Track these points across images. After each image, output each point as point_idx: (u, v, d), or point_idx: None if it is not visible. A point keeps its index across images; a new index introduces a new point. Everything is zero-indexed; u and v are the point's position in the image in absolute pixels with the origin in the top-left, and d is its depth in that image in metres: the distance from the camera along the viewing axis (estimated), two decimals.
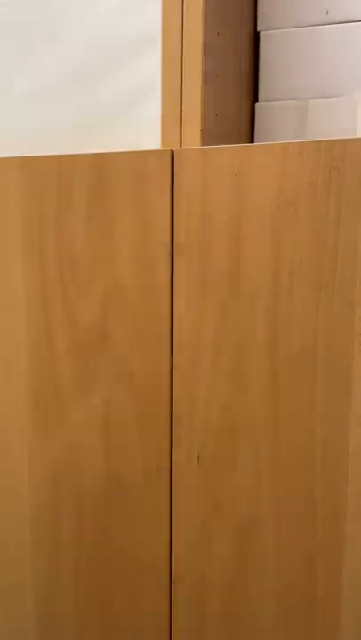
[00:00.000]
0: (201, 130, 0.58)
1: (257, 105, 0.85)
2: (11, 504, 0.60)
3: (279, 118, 0.84)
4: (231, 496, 0.52)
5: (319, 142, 0.47)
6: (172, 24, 0.58)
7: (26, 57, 0.73)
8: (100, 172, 0.52)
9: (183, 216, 0.51)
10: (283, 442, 0.50)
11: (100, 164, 0.52)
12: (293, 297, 0.48)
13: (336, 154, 0.46)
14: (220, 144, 0.50)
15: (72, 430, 0.56)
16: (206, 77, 0.60)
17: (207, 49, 0.59)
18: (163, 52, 0.59)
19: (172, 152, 0.51)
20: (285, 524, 0.50)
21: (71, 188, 0.53)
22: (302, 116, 0.83)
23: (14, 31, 0.74)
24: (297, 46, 0.82)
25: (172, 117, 0.58)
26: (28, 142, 0.69)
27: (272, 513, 0.51)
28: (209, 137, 0.62)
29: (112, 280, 0.53)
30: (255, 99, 0.86)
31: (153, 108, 0.61)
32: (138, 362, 0.54)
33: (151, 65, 0.61)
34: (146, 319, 0.53)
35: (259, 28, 0.84)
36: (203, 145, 0.50)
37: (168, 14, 0.58)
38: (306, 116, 0.83)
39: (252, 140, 0.76)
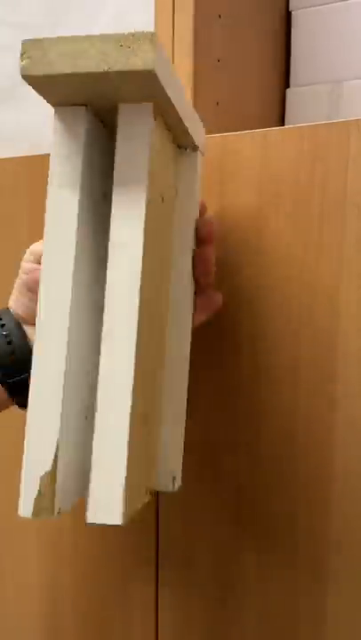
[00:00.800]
0: None
1: (288, 90, 0.80)
2: None
3: (312, 103, 0.78)
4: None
5: (302, 128, 0.43)
6: (164, 7, 0.55)
7: None
8: None
9: None
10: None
11: None
12: None
13: (321, 141, 0.41)
14: (220, 134, 0.45)
15: None
16: (201, 63, 0.56)
17: (203, 33, 0.56)
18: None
19: None
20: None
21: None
22: (336, 99, 0.77)
23: (18, 33, 0.75)
24: (329, 24, 0.76)
25: None
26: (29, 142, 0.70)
27: None
28: (206, 128, 0.58)
29: None
30: (287, 84, 0.81)
31: None
32: None
33: None
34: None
35: (291, 8, 0.79)
36: None
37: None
38: (340, 99, 0.77)
39: None
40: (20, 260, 0.42)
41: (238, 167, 0.45)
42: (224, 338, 0.47)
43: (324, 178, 0.42)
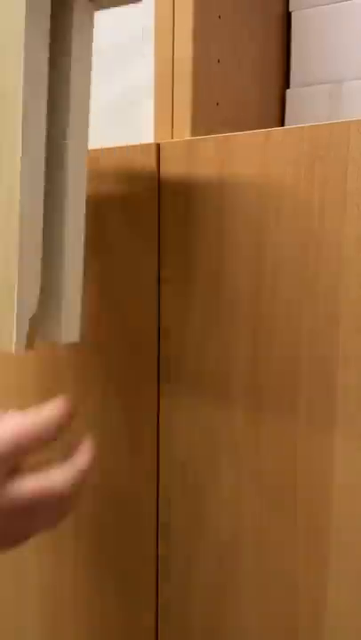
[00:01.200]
0: (191, 120, 0.55)
1: (288, 91, 0.80)
2: None
3: (312, 104, 0.78)
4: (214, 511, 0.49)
5: (302, 128, 0.43)
6: (163, 10, 0.55)
7: None
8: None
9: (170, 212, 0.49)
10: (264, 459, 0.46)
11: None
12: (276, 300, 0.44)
13: (321, 141, 0.41)
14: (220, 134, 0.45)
15: None
16: (201, 63, 0.56)
17: (202, 33, 0.56)
18: (155, 39, 0.57)
19: (158, 145, 0.48)
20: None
21: None
22: (336, 99, 0.77)
23: None
24: (329, 24, 0.76)
25: (164, 108, 0.56)
26: None
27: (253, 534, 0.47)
28: (206, 128, 0.58)
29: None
30: (287, 84, 0.81)
31: (150, 105, 0.59)
32: (121, 370, 0.52)
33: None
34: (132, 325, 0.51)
35: (291, 9, 0.79)
36: (192, 137, 0.47)
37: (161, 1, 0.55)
38: (340, 99, 0.77)
39: None
40: None
41: (238, 167, 0.45)
42: (227, 346, 0.47)
43: (323, 178, 0.42)
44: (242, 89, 0.66)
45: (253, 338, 0.45)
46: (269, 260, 0.44)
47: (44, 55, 0.35)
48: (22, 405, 0.41)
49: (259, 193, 0.44)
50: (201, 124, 0.58)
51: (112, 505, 0.54)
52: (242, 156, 0.45)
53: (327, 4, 0.77)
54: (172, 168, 0.48)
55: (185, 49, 0.55)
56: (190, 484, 0.50)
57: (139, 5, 0.68)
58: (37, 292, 0.38)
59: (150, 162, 0.48)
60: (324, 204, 0.42)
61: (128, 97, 0.64)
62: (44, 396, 0.57)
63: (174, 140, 0.49)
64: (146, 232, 0.49)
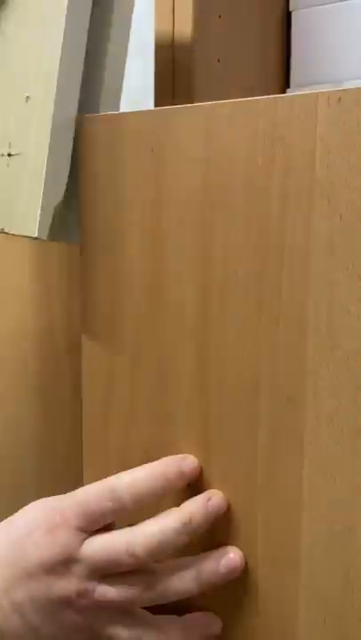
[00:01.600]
0: None
1: (288, 91, 0.80)
2: None
3: None
4: None
5: (257, 101, 0.34)
6: (163, 10, 0.55)
7: None
8: None
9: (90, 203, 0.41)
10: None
11: None
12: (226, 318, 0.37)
13: (281, 118, 0.33)
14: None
15: None
16: (201, 63, 0.56)
17: (202, 33, 0.56)
18: (155, 38, 0.57)
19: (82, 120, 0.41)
20: None
21: None
22: None
23: None
24: (329, 24, 0.76)
25: (164, 104, 0.56)
26: None
27: None
28: None
29: None
30: (288, 84, 0.81)
31: (150, 105, 0.59)
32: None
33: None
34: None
35: (291, 9, 0.79)
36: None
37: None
38: None
39: None
40: None
41: (178, 150, 0.38)
42: (167, 368, 0.41)
43: (285, 164, 0.34)
44: (242, 89, 0.66)
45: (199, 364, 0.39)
46: (218, 265, 0.37)
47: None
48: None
49: (204, 183, 0.36)
50: None
51: None
52: (182, 135, 0.37)
53: (327, 4, 0.77)
54: (95, 150, 0.41)
55: (185, 49, 0.56)
56: None
57: (139, 5, 0.68)
58: (65, 181, 0.38)
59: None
60: (286, 197, 0.34)
61: (128, 97, 0.64)
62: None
63: (101, 114, 0.43)
64: None
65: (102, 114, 0.43)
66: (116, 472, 0.39)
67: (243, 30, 0.66)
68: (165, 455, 0.40)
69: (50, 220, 0.38)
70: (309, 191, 0.33)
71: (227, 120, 0.35)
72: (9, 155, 0.38)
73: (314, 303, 0.33)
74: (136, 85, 0.62)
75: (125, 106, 0.71)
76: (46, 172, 0.37)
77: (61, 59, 0.36)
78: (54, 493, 0.40)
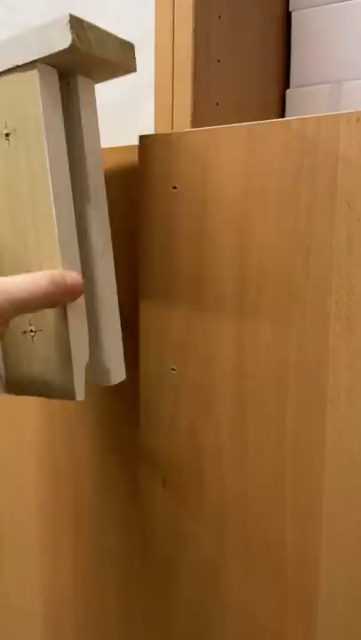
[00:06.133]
0: (191, 120, 0.55)
1: (288, 91, 0.80)
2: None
3: (312, 104, 0.78)
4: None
5: (289, 122, 0.40)
6: (163, 10, 0.55)
7: None
8: None
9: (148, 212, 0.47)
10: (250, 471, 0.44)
11: None
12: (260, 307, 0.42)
13: (308, 136, 0.39)
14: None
15: None
16: (201, 63, 0.56)
17: (202, 33, 0.56)
18: (156, 39, 0.57)
19: (140, 139, 0.46)
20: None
21: None
22: (336, 100, 0.77)
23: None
24: (329, 25, 0.76)
25: (164, 108, 0.56)
26: None
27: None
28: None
29: None
30: (288, 84, 0.81)
31: (150, 105, 0.59)
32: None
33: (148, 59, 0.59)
34: None
35: (291, 9, 0.79)
36: (175, 130, 0.46)
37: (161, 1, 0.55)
38: (340, 99, 0.77)
39: None
40: None
41: (222, 163, 0.43)
42: (213, 342, 0.46)
43: (311, 174, 0.39)
44: (242, 89, 0.66)
45: (239, 341, 0.44)
46: (255, 261, 0.42)
47: (62, 133, 0.40)
48: None
49: (243, 192, 0.42)
50: (201, 124, 0.58)
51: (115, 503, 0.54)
52: (225, 150, 0.42)
53: (327, 4, 0.77)
54: (154, 164, 0.46)
55: (185, 49, 0.55)
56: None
57: (139, 5, 0.68)
58: (87, 344, 0.42)
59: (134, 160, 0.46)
60: (312, 203, 0.39)
61: (128, 97, 0.64)
62: None
63: (157, 133, 0.47)
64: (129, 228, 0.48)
65: (158, 134, 0.47)
66: (168, 443, 0.47)
67: (243, 30, 0.66)
68: (208, 426, 0.45)
69: (83, 382, 0.42)
70: (332, 198, 0.38)
71: (264, 137, 0.40)
72: (31, 331, 0.42)
73: (335, 294, 0.39)
74: (136, 85, 0.62)
75: (125, 106, 0.71)
76: (72, 347, 0.40)
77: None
78: None
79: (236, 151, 0.41)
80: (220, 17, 0.59)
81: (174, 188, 0.44)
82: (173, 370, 0.47)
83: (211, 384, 0.45)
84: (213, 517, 0.47)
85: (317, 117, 0.38)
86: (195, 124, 0.57)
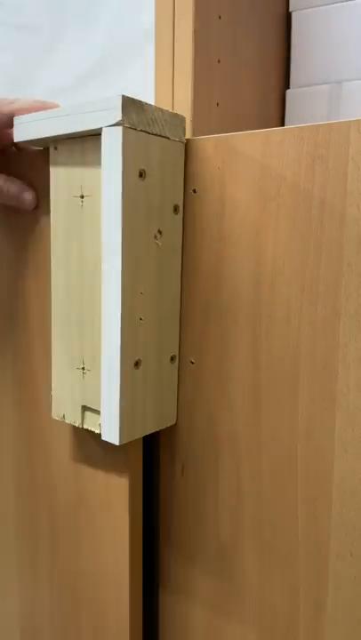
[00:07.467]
0: (191, 120, 0.55)
1: (288, 91, 0.80)
2: None
3: (311, 104, 0.78)
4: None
5: (302, 128, 0.43)
6: (163, 10, 0.55)
7: (50, 55, 0.74)
8: None
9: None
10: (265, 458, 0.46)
11: None
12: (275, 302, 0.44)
13: (320, 141, 0.41)
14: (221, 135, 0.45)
15: None
16: (201, 63, 0.56)
17: (202, 33, 0.56)
18: (156, 39, 0.57)
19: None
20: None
21: None
22: (335, 100, 0.77)
23: (41, 32, 0.75)
24: (329, 25, 0.76)
25: (165, 107, 0.55)
26: None
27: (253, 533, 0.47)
28: (206, 128, 0.58)
29: None
30: (288, 84, 0.81)
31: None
32: None
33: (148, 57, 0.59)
34: None
35: (291, 9, 0.79)
36: (193, 137, 0.46)
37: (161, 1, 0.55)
38: (340, 100, 0.77)
39: None
40: None
41: (238, 168, 0.45)
42: (229, 335, 0.47)
43: (323, 178, 0.41)
44: (242, 89, 0.66)
45: (254, 335, 0.46)
46: (269, 260, 0.44)
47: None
48: None
49: (258, 194, 0.44)
50: (201, 123, 0.58)
51: (88, 517, 0.54)
52: (242, 155, 0.45)
53: (327, 5, 0.77)
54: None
55: (185, 49, 0.55)
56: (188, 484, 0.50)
57: (139, 5, 0.68)
58: (131, 393, 0.45)
59: None
60: (323, 204, 0.42)
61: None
62: None
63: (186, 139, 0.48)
64: None
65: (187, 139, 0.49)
66: (187, 432, 0.50)
67: (243, 30, 0.66)
68: (225, 415, 0.47)
69: (123, 428, 0.45)
70: (342, 199, 0.40)
71: (278, 143, 0.43)
72: (82, 368, 0.47)
73: (345, 290, 0.41)
74: (136, 85, 0.62)
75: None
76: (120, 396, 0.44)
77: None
78: None
79: (252, 156, 0.44)
80: (220, 17, 0.59)
81: (194, 191, 0.47)
82: (192, 362, 0.49)
83: (227, 376, 0.47)
84: (228, 503, 0.48)
85: (329, 124, 0.41)
86: (195, 124, 0.57)
